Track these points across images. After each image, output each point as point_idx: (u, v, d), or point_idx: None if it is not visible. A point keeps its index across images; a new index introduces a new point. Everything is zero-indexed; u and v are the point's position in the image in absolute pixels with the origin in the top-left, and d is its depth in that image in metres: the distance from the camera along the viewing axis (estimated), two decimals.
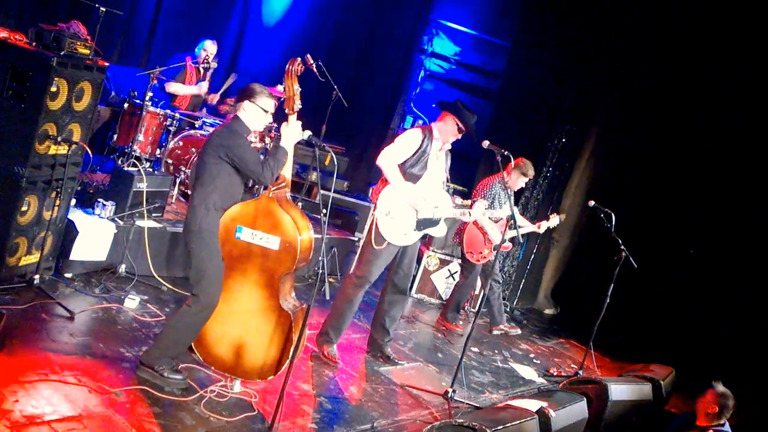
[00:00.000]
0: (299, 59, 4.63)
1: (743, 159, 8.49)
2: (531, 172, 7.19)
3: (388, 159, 5.57)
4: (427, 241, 8.36)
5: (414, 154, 5.61)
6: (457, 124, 5.64)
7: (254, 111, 4.46)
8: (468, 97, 9.89)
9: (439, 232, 5.93)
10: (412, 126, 5.76)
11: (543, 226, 7.63)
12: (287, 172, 4.60)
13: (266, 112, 4.50)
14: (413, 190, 5.62)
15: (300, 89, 4.60)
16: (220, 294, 4.47)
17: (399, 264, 5.84)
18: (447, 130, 5.68)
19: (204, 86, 7.98)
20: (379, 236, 5.59)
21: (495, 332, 7.75)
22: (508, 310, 9.01)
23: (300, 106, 4.59)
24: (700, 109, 8.63)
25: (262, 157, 4.60)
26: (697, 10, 8.39)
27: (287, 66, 4.60)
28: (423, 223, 5.72)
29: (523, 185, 7.36)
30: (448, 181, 5.93)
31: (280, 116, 4.76)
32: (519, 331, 7.96)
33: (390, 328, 6.06)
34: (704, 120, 8.63)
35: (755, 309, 8.33)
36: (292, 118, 4.57)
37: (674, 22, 8.60)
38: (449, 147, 5.83)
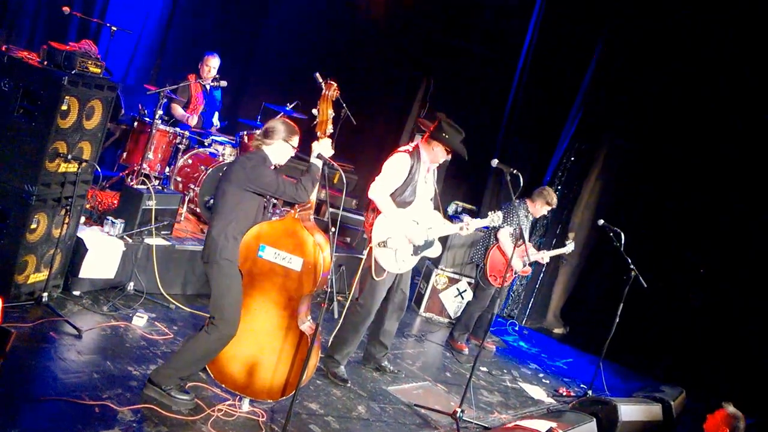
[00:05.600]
0: (335, 84, 4.63)
1: (751, 167, 8.46)
2: (555, 201, 7.29)
3: (381, 192, 5.53)
4: (435, 259, 8.36)
5: (403, 182, 5.57)
6: (445, 148, 5.62)
7: (285, 149, 4.50)
8: (476, 114, 9.89)
9: (435, 252, 5.89)
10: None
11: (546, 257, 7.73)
12: (312, 194, 4.60)
13: (294, 148, 4.55)
14: (406, 218, 5.60)
15: (333, 114, 4.62)
16: (238, 322, 4.45)
17: (397, 283, 5.84)
18: (435, 154, 5.64)
19: (194, 120, 7.89)
20: (378, 268, 5.58)
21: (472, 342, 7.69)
22: (516, 329, 8.97)
23: (332, 131, 4.62)
24: (708, 118, 8.61)
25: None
26: (705, 19, 8.40)
27: (324, 90, 4.62)
28: (419, 247, 5.71)
29: (546, 213, 7.40)
30: (433, 198, 5.87)
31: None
32: (493, 348, 7.85)
33: (387, 343, 6.10)
34: (710, 129, 8.61)
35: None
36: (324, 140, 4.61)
37: (680, 31, 8.61)
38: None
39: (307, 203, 4.58)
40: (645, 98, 8.99)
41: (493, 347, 7.86)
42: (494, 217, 6.22)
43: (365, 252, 5.64)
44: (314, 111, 4.65)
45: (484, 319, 7.60)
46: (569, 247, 7.74)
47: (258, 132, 4.67)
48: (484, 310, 7.52)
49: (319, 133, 4.60)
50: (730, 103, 8.45)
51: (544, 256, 7.64)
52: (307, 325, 4.63)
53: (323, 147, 4.58)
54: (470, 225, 6.08)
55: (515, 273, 7.36)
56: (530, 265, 7.35)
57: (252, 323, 4.55)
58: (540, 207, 7.26)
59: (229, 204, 4.38)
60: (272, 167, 4.51)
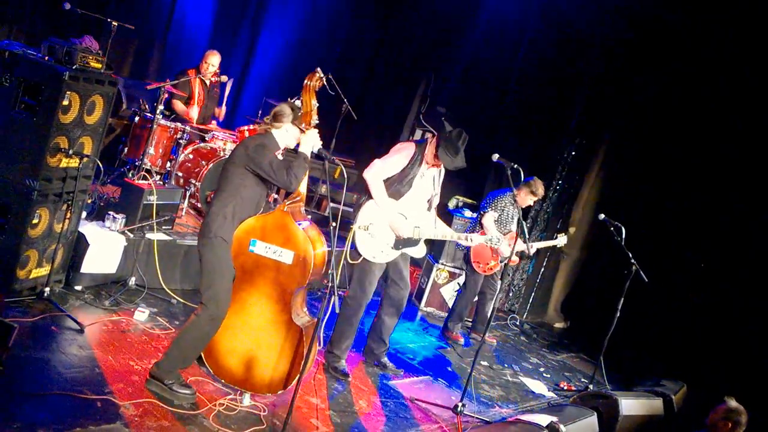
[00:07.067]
0: (318, 74, 4.59)
1: (751, 167, 8.44)
2: (540, 191, 7.21)
3: (376, 174, 5.51)
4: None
5: (401, 171, 5.54)
6: (434, 151, 5.54)
7: (294, 132, 4.51)
8: (477, 110, 9.89)
9: (417, 252, 5.80)
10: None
11: (534, 247, 7.68)
12: (302, 186, 4.60)
13: (302, 131, 4.55)
14: (395, 208, 5.56)
15: (318, 104, 4.59)
16: (228, 304, 4.47)
17: (392, 276, 5.80)
18: (431, 152, 5.59)
19: (194, 114, 7.88)
20: (354, 251, 5.54)
21: (474, 336, 7.67)
22: (517, 323, 8.98)
23: (317, 122, 4.59)
24: (708, 118, 8.60)
25: None
26: (707, 19, 8.38)
27: (305, 81, 4.56)
28: (402, 242, 5.64)
29: (531, 203, 7.39)
30: (431, 200, 5.79)
31: None
32: (494, 343, 7.86)
33: (386, 339, 6.06)
34: (710, 129, 8.60)
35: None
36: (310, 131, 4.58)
37: (680, 31, 8.60)
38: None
39: (297, 196, 4.58)
40: (645, 98, 8.97)
41: (494, 341, 7.87)
42: (493, 238, 6.26)
43: (348, 240, 5.55)
44: (297, 102, 4.57)
45: (481, 313, 7.61)
46: (561, 240, 7.73)
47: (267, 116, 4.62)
48: (484, 302, 7.53)
49: (303, 125, 4.55)
50: (730, 103, 8.43)
51: (532, 247, 7.44)
52: (303, 319, 4.63)
53: (311, 138, 4.53)
54: (473, 239, 6.10)
55: (501, 261, 7.27)
56: (518, 255, 7.19)
57: (248, 318, 4.56)
58: (525, 196, 7.18)
59: (231, 184, 4.39)
60: (280, 151, 4.52)
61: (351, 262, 5.56)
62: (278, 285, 4.51)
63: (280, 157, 4.51)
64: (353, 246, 5.53)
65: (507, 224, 7.23)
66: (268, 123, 4.53)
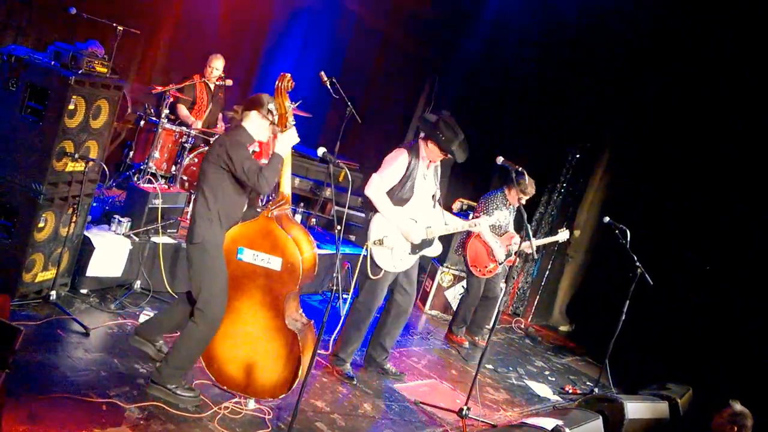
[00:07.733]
0: (289, 75, 4.49)
1: (751, 167, 8.44)
2: (530, 190, 7.11)
3: (378, 188, 5.49)
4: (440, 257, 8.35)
5: (400, 180, 5.53)
6: (439, 148, 5.53)
7: (261, 122, 4.46)
8: (481, 112, 9.90)
9: (434, 251, 5.83)
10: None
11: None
12: (286, 188, 4.56)
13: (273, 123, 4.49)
14: (404, 216, 5.56)
15: (291, 105, 4.51)
16: (224, 307, 4.46)
17: (399, 283, 5.78)
18: (430, 152, 5.58)
19: (198, 123, 7.83)
20: (374, 266, 5.54)
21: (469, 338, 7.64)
22: (522, 327, 8.97)
23: (294, 123, 4.52)
24: (708, 118, 8.60)
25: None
26: (707, 19, 8.39)
27: (276, 83, 4.46)
28: (417, 246, 5.65)
29: (524, 202, 7.29)
30: (435, 195, 5.79)
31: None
32: (465, 344, 7.67)
33: (389, 347, 6.03)
34: (710, 129, 8.60)
35: None
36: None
37: (680, 31, 8.60)
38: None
39: (281, 199, 4.53)
40: (645, 98, 8.97)
41: (465, 342, 7.76)
42: (500, 216, 6.22)
43: (362, 255, 5.57)
44: (270, 106, 4.46)
45: (477, 316, 7.57)
46: (561, 235, 7.64)
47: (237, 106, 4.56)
48: (486, 306, 7.50)
49: (279, 128, 4.47)
50: (730, 103, 8.42)
51: (532, 245, 7.33)
52: (298, 323, 4.63)
53: (288, 137, 4.46)
54: (481, 224, 6.09)
55: (500, 263, 7.25)
56: (517, 254, 7.16)
57: (243, 325, 4.57)
58: (515, 195, 7.07)
59: (211, 185, 4.36)
60: (255, 143, 4.48)
61: (374, 278, 5.55)
62: (269, 292, 4.51)
63: (256, 148, 4.45)
64: (372, 261, 5.53)
65: (502, 225, 7.23)
66: (238, 112, 4.46)
